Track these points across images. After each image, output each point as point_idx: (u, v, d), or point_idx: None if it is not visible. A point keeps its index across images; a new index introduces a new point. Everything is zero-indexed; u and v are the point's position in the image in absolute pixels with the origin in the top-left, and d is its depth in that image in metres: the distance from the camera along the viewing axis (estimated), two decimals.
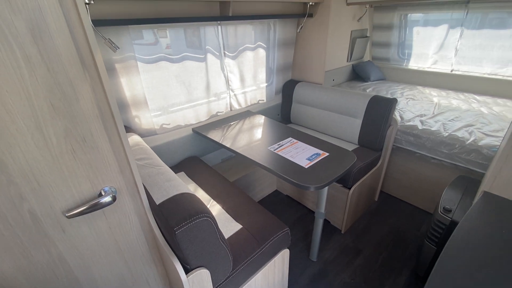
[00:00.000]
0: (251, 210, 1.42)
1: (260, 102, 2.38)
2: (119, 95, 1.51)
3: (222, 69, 1.97)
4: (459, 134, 1.87)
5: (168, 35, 1.62)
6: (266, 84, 2.36)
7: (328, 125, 2.21)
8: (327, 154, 1.53)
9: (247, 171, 2.16)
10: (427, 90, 2.92)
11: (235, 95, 2.14)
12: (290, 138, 1.74)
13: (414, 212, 2.20)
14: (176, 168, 1.88)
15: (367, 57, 3.62)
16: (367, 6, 3.08)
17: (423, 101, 2.58)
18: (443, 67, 3.02)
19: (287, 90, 2.47)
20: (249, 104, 2.29)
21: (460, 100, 2.56)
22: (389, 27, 3.16)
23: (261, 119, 2.11)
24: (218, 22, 1.78)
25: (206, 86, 1.92)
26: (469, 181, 1.65)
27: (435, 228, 1.47)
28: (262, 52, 2.19)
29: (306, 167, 1.40)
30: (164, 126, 1.79)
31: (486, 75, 2.74)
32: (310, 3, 2.10)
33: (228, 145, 1.66)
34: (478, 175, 1.77)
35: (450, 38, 2.82)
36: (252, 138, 1.76)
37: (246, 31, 2.00)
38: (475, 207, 1.12)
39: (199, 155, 2.08)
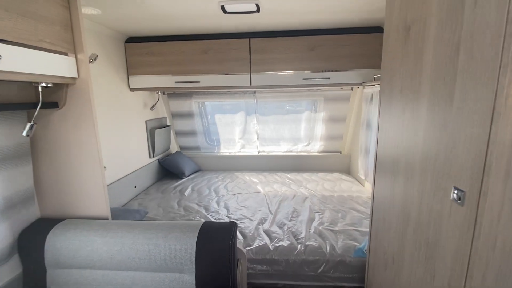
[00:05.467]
0: None
1: None
2: None
3: None
4: (314, 242, 1.46)
5: None
6: None
7: None
8: None
9: None
10: (246, 176, 2.66)
11: None
12: None
13: None
14: None
15: (174, 148, 3.01)
16: (158, 93, 2.55)
17: (250, 193, 2.20)
18: (250, 150, 2.97)
19: (32, 244, 1.13)
20: None
21: (279, 184, 2.43)
22: (189, 114, 2.77)
23: None
24: None
25: None
26: None
27: None
28: None
29: None
30: None
31: (285, 153, 2.93)
32: (43, 85, 1.09)
33: None
34: None
35: (249, 124, 2.83)
36: None
37: None
38: None
39: None
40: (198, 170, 2.89)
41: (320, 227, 1.60)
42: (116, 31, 1.96)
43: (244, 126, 2.86)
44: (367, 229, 1.56)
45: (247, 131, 2.88)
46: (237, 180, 2.56)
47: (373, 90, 2.01)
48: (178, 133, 2.89)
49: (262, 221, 1.70)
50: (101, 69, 1.83)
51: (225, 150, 3.00)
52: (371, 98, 2.06)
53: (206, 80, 2.09)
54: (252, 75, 2.07)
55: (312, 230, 1.57)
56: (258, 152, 2.96)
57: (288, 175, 2.68)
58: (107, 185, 1.87)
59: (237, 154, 2.96)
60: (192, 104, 2.72)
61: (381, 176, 1.12)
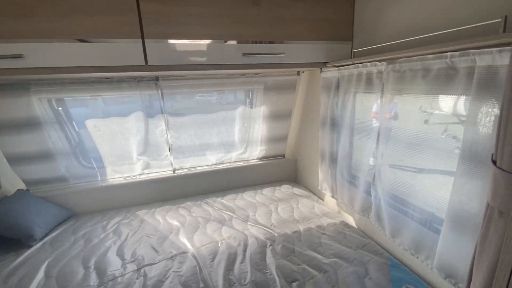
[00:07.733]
0: None
1: None
2: None
3: None
4: None
5: None
6: None
7: None
8: None
9: None
10: (158, 216, 1.66)
11: None
12: None
13: None
14: None
15: (17, 185, 1.63)
16: None
17: (168, 258, 1.25)
18: (161, 170, 1.95)
19: None
20: None
21: (216, 222, 1.56)
22: (32, 123, 1.48)
23: None
24: None
25: None
26: None
27: None
28: None
29: None
30: None
31: (214, 167, 2.06)
32: None
33: None
34: None
35: (154, 131, 1.79)
36: None
37: None
38: None
39: None
40: (67, 217, 1.66)
41: None
42: None
43: (145, 134, 1.79)
44: None
45: (151, 141, 1.83)
46: (142, 227, 1.53)
47: (340, 73, 1.38)
48: (14, 159, 1.55)
49: None
50: None
51: (116, 175, 1.85)
52: (337, 86, 1.44)
53: (39, 53, 0.96)
54: (146, 45, 1.07)
55: None
56: (174, 171, 1.97)
57: (224, 201, 1.84)
58: None
59: (139, 179, 1.88)
60: (34, 104, 1.44)
61: None
